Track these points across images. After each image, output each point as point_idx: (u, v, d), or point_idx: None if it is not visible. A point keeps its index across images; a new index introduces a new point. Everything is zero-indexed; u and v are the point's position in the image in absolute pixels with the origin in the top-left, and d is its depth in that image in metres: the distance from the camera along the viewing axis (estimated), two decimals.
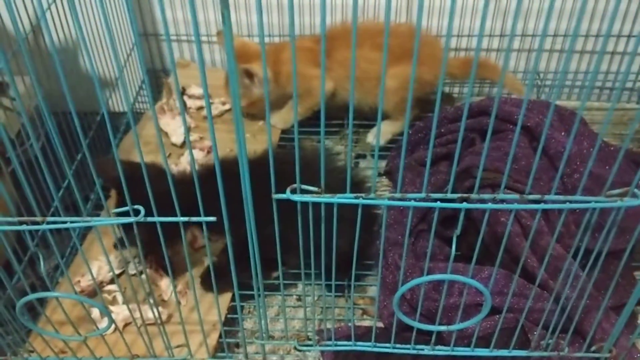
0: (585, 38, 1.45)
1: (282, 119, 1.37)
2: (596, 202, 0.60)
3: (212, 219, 0.65)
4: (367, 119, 1.35)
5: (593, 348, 0.81)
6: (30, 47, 1.22)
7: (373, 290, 1.09)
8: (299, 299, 1.10)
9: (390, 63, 1.27)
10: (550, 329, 0.82)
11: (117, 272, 1.05)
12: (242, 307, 1.04)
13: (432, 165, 1.17)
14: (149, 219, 0.64)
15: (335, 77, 1.29)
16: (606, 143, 1.19)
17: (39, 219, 0.63)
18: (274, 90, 1.30)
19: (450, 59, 1.36)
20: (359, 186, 1.06)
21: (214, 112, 1.38)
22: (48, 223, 0.63)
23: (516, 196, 0.61)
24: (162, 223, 0.66)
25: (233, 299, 1.03)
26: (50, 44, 0.51)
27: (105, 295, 1.02)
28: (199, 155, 1.28)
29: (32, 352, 0.84)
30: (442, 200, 0.61)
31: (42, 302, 0.93)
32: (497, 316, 0.87)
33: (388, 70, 1.28)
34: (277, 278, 1.09)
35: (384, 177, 1.32)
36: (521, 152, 1.08)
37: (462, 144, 1.18)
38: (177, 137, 1.31)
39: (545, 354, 0.79)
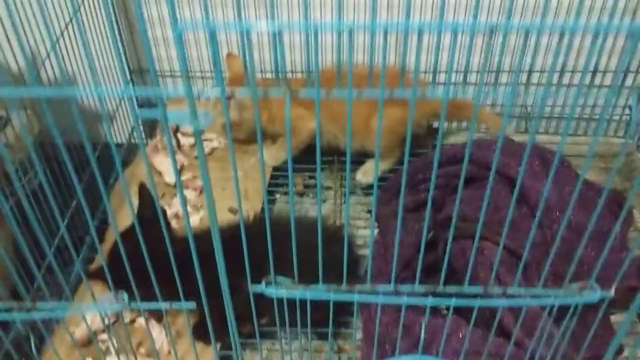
0: (572, 73, 1.47)
1: (273, 156, 1.40)
2: (555, 296, 0.63)
3: (191, 305, 0.68)
4: (354, 157, 1.38)
5: None
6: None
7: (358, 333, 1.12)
8: (287, 344, 1.13)
9: (375, 107, 1.31)
10: None
11: (112, 320, 1.09)
12: (230, 357, 1.07)
13: (417, 211, 1.20)
14: (132, 305, 0.67)
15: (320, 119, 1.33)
16: (589, 185, 1.22)
17: (28, 305, 0.66)
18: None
19: (434, 100, 1.39)
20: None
21: (206, 150, 1.41)
22: (36, 310, 0.66)
23: (479, 289, 0.64)
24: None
25: (223, 347, 1.07)
26: (60, 77, 0.53)
27: (100, 344, 1.06)
28: (191, 195, 1.31)
29: None
30: (410, 295, 0.64)
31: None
32: None
33: (373, 114, 1.31)
34: (265, 325, 1.13)
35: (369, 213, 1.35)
36: (502, 201, 1.11)
37: (446, 190, 1.21)
38: (171, 176, 1.34)
39: None
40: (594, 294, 0.63)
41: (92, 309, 0.67)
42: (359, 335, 1.11)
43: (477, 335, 0.94)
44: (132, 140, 1.53)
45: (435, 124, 1.47)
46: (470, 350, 0.91)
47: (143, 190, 0.98)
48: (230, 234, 0.69)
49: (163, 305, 0.68)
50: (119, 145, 1.49)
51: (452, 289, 0.65)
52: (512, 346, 0.88)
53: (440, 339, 0.93)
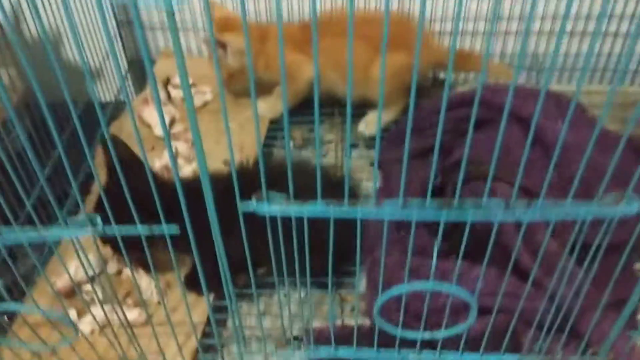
0: (586, 20, 1.39)
1: (270, 108, 1.32)
2: (587, 211, 0.56)
3: (174, 231, 0.61)
4: (355, 108, 1.30)
5: (590, 351, 0.77)
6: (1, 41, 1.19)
7: (362, 286, 1.05)
8: (286, 296, 1.06)
9: (377, 53, 1.23)
10: (544, 331, 0.77)
11: (96, 271, 1.01)
12: (225, 308, 1.01)
13: (423, 157, 1.12)
14: (107, 229, 0.60)
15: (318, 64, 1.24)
16: (606, 130, 1.14)
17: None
18: (254, 68, 1.25)
19: (440, 47, 1.31)
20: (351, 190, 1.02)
21: (198, 102, 1.34)
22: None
23: (501, 201, 0.57)
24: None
25: (218, 298, 0.99)
26: (42, 32, 0.47)
27: (84, 296, 0.99)
28: (183, 147, 1.23)
29: None
30: (420, 209, 0.57)
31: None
32: (488, 316, 0.83)
33: (375, 60, 1.23)
34: (262, 276, 1.06)
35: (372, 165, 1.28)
36: (515, 143, 1.03)
37: (456, 135, 1.13)
38: (161, 129, 1.27)
39: (539, 358, 0.75)
40: (631, 205, 0.56)
41: (64, 233, 0.59)
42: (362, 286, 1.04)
43: (491, 274, 0.87)
44: (121, 98, 1.46)
45: (442, 75, 1.39)
46: (485, 291, 0.84)
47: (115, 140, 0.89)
48: (223, 184, 0.63)
49: (141, 229, 0.61)
50: (107, 104, 1.41)
51: (469, 203, 0.57)
52: (530, 286, 0.80)
53: (450, 280, 0.86)
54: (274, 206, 0.57)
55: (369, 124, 1.31)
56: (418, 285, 0.63)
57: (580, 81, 0.51)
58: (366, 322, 0.98)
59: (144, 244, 0.63)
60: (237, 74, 1.26)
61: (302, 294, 1.03)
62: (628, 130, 0.55)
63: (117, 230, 0.60)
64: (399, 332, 0.68)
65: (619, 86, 1.41)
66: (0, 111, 1.19)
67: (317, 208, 0.57)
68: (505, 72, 1.34)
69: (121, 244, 0.63)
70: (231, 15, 1.27)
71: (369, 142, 1.33)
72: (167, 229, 0.60)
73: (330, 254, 0.62)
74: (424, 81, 1.37)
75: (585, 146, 1.04)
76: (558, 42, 0.41)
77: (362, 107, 1.31)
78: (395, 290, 0.62)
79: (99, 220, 0.59)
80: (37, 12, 0.46)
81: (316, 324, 0.97)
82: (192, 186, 0.60)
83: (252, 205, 0.56)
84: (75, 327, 0.70)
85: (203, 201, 0.60)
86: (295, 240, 0.61)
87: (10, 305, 0.67)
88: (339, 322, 0.99)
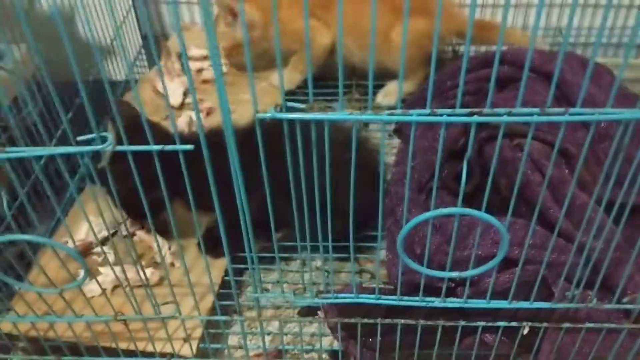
0: None
1: (286, 78, 1.29)
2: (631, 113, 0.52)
3: (189, 147, 0.58)
4: (375, 78, 1.27)
5: (625, 300, 0.72)
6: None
7: (382, 255, 1.01)
8: (304, 264, 1.03)
9: (397, 18, 1.20)
10: (575, 282, 0.73)
11: (109, 232, 0.99)
12: (241, 270, 0.97)
13: None
14: (118, 147, 0.57)
15: (334, 32, 1.21)
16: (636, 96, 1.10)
17: None
18: (264, 39, 1.22)
19: (461, 16, 1.27)
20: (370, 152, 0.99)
21: (212, 74, 1.31)
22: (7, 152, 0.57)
23: (536, 110, 0.53)
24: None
25: (232, 262, 0.96)
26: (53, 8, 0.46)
27: (95, 257, 0.96)
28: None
29: (9, 310, 0.78)
30: (450, 115, 0.54)
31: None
32: (516, 268, 0.79)
33: (396, 26, 1.20)
34: (279, 240, 1.03)
35: (394, 137, 1.24)
36: (541, 100, 0.99)
37: (479, 96, 1.10)
38: (175, 98, 1.24)
39: (571, 305, 0.71)
40: None
41: (70, 150, 0.57)
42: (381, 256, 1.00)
43: (520, 225, 0.83)
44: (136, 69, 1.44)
45: (462, 49, 1.36)
46: (513, 241, 0.80)
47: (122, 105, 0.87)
48: (243, 136, 0.60)
49: (155, 147, 0.58)
50: (119, 82, 1.39)
51: (501, 110, 0.54)
52: (556, 237, 0.76)
53: (475, 232, 0.82)
54: (293, 114, 0.54)
55: (388, 94, 1.28)
56: (444, 211, 0.60)
57: (626, 54, 0.47)
58: (387, 286, 0.94)
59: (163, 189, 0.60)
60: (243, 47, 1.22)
61: (321, 263, 1.00)
62: None
63: (128, 147, 0.57)
64: (423, 270, 0.65)
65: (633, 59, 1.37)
66: (11, 88, 1.17)
67: (339, 115, 0.54)
68: (528, 43, 1.30)
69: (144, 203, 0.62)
70: None
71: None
72: (182, 147, 0.57)
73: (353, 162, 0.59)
74: (444, 52, 1.34)
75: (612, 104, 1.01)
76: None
77: (380, 79, 1.28)
78: (421, 217, 0.59)
79: (110, 136, 0.56)
80: None
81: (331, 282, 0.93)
82: (212, 140, 0.58)
83: (271, 111, 0.53)
84: (85, 266, 0.66)
85: (221, 158, 0.58)
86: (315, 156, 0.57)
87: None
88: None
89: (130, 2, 1.40)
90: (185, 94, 1.27)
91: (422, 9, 1.10)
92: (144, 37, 1.43)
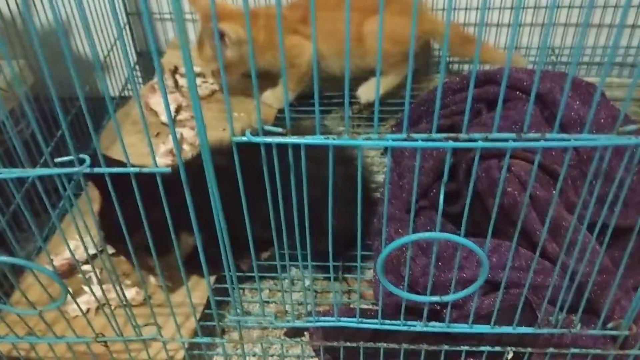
0: (603, 9, 1.35)
1: (277, 97, 1.29)
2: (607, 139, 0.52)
3: (167, 169, 0.57)
4: (355, 79, 1.27)
5: (610, 325, 0.71)
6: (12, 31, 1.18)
7: (371, 274, 1.01)
8: (292, 283, 1.02)
9: (370, 18, 1.21)
10: (558, 306, 0.72)
11: (96, 251, 0.98)
12: (226, 289, 0.96)
13: None
14: (96, 169, 0.57)
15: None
16: (627, 117, 1.10)
17: None
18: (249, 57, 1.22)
19: (434, 18, 1.30)
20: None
21: (205, 91, 1.32)
22: None
23: (512, 135, 0.53)
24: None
25: (218, 281, 0.96)
26: (55, 24, 0.46)
27: (81, 276, 0.96)
28: (189, 133, 1.21)
29: None
30: (426, 140, 0.53)
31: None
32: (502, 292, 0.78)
33: (368, 26, 1.21)
34: (267, 259, 1.02)
35: (384, 156, 1.24)
36: (532, 120, 0.99)
37: (469, 115, 1.09)
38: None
39: (555, 331, 0.70)
40: None
41: (45, 172, 0.56)
42: (369, 275, 1.00)
43: (505, 247, 0.82)
44: (126, 92, 1.44)
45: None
46: (498, 264, 0.79)
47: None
48: (225, 160, 0.60)
49: (132, 169, 0.57)
50: (112, 99, 1.39)
51: (477, 135, 0.53)
52: (538, 257, 0.76)
53: (462, 254, 0.81)
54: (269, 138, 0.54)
55: (369, 90, 1.27)
56: (424, 235, 0.59)
57: (604, 72, 0.47)
58: (375, 307, 0.94)
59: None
60: (234, 63, 1.22)
61: (307, 283, 0.99)
62: None
63: (105, 169, 0.57)
64: (403, 295, 0.64)
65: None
66: (8, 100, 1.18)
67: (316, 139, 0.53)
68: (517, 59, 1.31)
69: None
70: (220, 3, 1.26)
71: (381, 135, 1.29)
72: (159, 170, 0.57)
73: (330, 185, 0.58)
74: (419, 49, 1.35)
75: (604, 127, 1.01)
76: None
77: (361, 78, 1.28)
78: (401, 241, 0.58)
79: (87, 159, 0.56)
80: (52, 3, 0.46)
81: (315, 305, 0.93)
82: (194, 167, 0.58)
83: (247, 135, 0.53)
84: (63, 285, 0.66)
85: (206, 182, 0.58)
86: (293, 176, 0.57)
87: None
88: (343, 308, 0.95)
89: (125, 20, 1.41)
90: (177, 111, 1.27)
91: (394, 10, 1.16)
92: (139, 54, 1.44)
